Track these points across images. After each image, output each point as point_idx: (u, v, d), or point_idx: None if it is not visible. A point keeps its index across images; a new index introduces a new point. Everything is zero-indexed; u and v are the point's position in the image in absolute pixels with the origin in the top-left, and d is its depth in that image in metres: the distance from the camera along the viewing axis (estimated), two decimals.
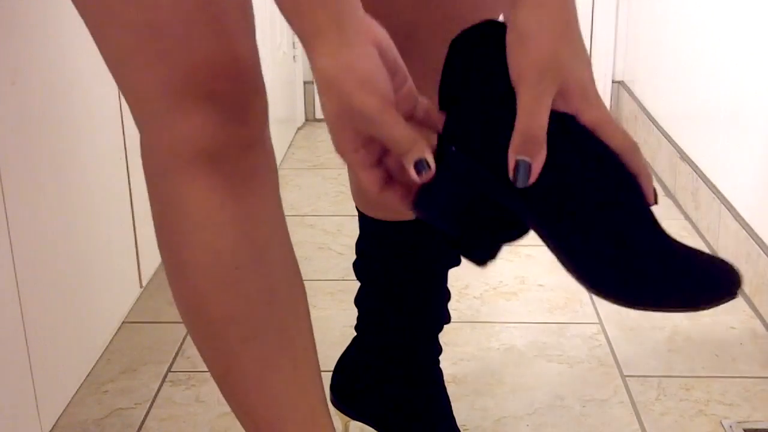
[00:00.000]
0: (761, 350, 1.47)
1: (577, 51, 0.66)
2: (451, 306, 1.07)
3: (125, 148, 1.47)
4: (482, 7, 0.83)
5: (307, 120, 2.80)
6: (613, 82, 2.80)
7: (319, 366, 0.87)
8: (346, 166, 0.78)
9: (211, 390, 1.36)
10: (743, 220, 1.70)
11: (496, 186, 0.69)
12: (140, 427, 1.29)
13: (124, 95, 0.76)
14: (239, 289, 0.79)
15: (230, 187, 0.76)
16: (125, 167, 1.49)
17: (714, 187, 1.88)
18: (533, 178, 0.66)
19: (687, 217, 2.01)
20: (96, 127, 1.37)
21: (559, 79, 0.65)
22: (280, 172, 2.36)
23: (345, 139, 0.65)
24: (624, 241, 0.75)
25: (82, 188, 1.35)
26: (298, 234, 1.90)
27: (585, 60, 0.67)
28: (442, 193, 0.68)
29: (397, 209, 0.98)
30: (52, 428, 1.27)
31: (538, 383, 1.37)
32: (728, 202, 1.79)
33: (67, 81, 1.27)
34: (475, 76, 0.70)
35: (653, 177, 2.33)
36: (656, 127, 2.33)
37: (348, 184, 1.09)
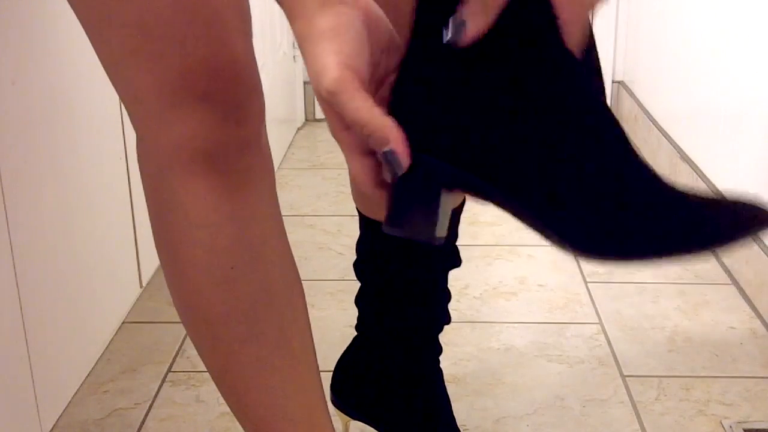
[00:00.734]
0: (761, 350, 1.47)
1: None
2: (451, 306, 1.07)
3: (125, 149, 1.47)
4: None
5: (307, 120, 2.80)
6: (613, 82, 2.80)
7: (317, 365, 0.87)
8: (346, 167, 0.77)
9: (211, 390, 1.36)
10: None
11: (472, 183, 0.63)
12: (140, 427, 1.29)
13: (120, 96, 0.76)
14: (236, 289, 0.79)
15: (226, 187, 0.76)
16: (125, 167, 1.49)
17: (714, 187, 1.88)
18: (467, 38, 0.59)
19: None
20: (96, 128, 1.37)
21: None
22: (280, 172, 2.36)
23: (331, 115, 0.59)
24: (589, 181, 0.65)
25: (82, 188, 1.35)
26: (298, 234, 1.90)
27: None
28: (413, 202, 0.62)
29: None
30: (52, 428, 1.27)
31: (538, 383, 1.37)
32: None
33: (67, 81, 1.27)
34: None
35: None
36: (656, 127, 2.33)
37: (348, 184, 1.10)
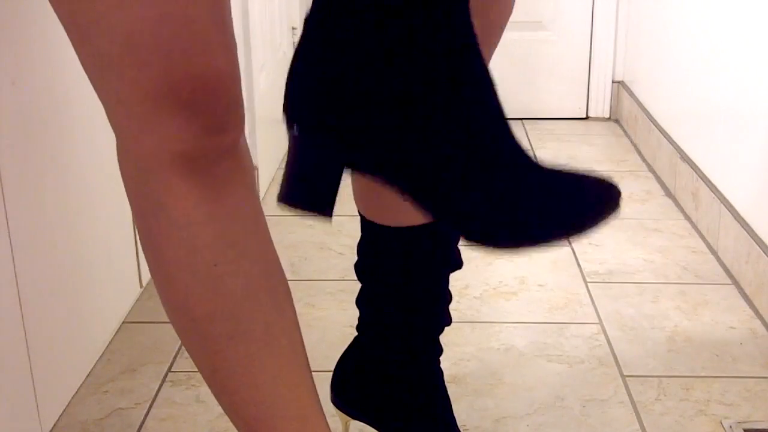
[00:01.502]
0: (761, 350, 1.47)
1: None
2: (451, 306, 1.07)
3: None
4: None
5: None
6: (613, 82, 2.80)
7: (307, 361, 0.87)
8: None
9: None
10: (743, 220, 1.70)
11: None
12: (140, 427, 1.29)
13: (100, 97, 0.78)
14: (219, 286, 0.80)
15: (206, 189, 0.78)
16: None
17: (714, 187, 1.88)
18: None
19: (687, 217, 2.01)
20: (96, 128, 1.37)
21: None
22: (281, 172, 2.36)
23: None
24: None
25: (82, 188, 1.35)
26: (298, 234, 1.90)
27: None
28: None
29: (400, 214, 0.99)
30: (52, 428, 1.27)
31: (538, 383, 1.37)
32: (728, 202, 1.79)
33: (67, 81, 1.27)
34: None
35: (653, 178, 2.33)
36: (656, 127, 2.33)
37: (349, 184, 1.10)
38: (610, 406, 1.33)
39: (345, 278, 1.69)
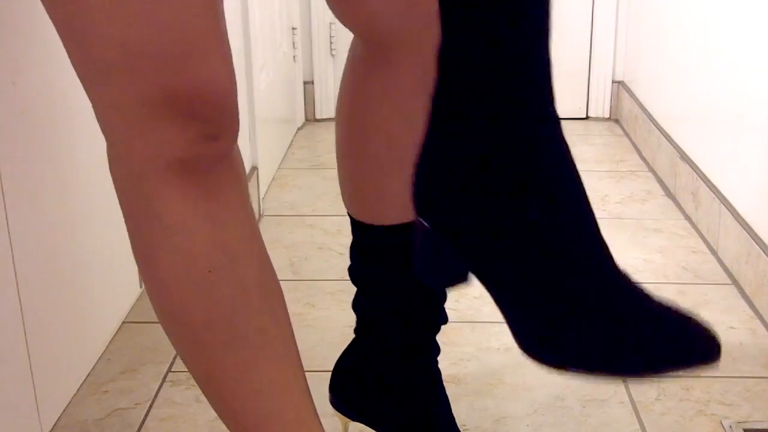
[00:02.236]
0: (761, 350, 1.47)
1: None
2: (451, 306, 1.07)
3: None
4: None
5: (307, 120, 2.80)
6: (613, 82, 2.80)
7: (302, 366, 0.87)
8: None
9: None
10: (743, 220, 1.70)
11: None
12: (140, 427, 1.29)
13: (92, 101, 0.77)
14: (214, 293, 0.80)
15: (201, 195, 0.78)
16: None
17: (714, 187, 1.88)
18: None
19: (687, 217, 2.01)
20: (96, 128, 1.37)
21: None
22: (280, 172, 2.36)
23: None
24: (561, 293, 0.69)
25: (82, 188, 1.35)
26: (298, 234, 1.90)
27: None
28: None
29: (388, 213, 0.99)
30: (52, 428, 1.27)
31: (538, 383, 1.37)
32: (728, 202, 1.79)
33: (67, 81, 1.27)
34: None
35: (653, 178, 2.33)
36: (656, 127, 2.33)
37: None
38: (610, 406, 1.33)
39: (345, 278, 1.68)
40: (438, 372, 1.09)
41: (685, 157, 2.08)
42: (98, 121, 0.78)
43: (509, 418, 1.30)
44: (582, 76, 2.80)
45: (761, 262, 1.58)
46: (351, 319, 1.09)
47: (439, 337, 1.08)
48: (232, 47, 0.78)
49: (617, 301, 0.68)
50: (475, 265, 0.74)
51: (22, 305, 1.15)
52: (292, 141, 2.62)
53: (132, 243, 0.82)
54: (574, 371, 0.69)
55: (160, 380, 1.40)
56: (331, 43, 2.75)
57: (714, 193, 1.86)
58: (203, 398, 1.34)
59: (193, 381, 1.38)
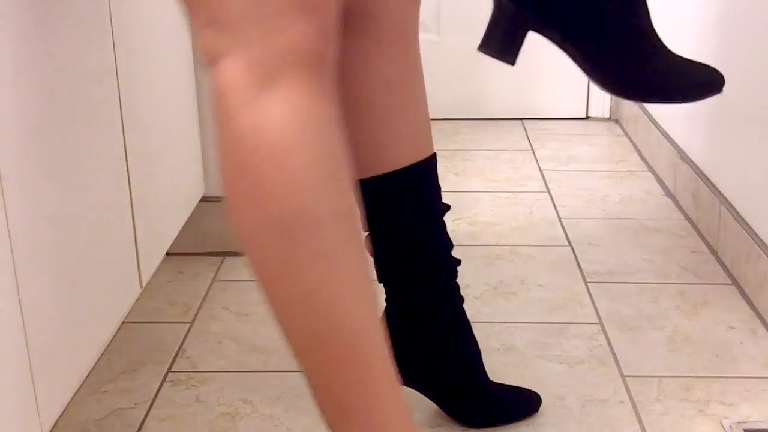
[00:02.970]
0: (761, 350, 1.47)
1: None
2: None
3: (125, 148, 1.47)
4: None
5: None
6: None
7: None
8: None
9: (211, 390, 1.36)
10: (743, 220, 1.70)
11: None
12: (140, 427, 1.29)
13: (214, 8, 0.79)
14: (340, 186, 0.81)
15: (322, 93, 0.80)
16: (125, 167, 1.49)
17: (714, 187, 1.88)
18: None
19: (687, 217, 2.01)
20: (96, 128, 1.37)
21: None
22: None
23: None
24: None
25: (82, 188, 1.35)
26: None
27: None
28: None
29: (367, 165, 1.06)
30: (52, 428, 1.27)
31: (538, 383, 1.37)
32: (728, 202, 1.79)
33: (68, 81, 1.27)
34: None
35: (653, 178, 2.33)
36: (656, 127, 2.33)
37: None
38: (610, 406, 1.33)
39: None
40: (467, 322, 1.23)
41: (685, 157, 2.08)
42: (212, 40, 0.80)
43: None
44: (582, 76, 2.79)
45: (761, 262, 1.58)
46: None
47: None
48: None
49: (664, 46, 1.05)
50: (559, 18, 1.08)
51: (22, 305, 1.15)
52: None
53: (234, 159, 0.81)
54: (632, 96, 1.05)
55: (160, 380, 1.40)
56: None
57: (714, 193, 1.86)
58: (203, 398, 1.35)
59: (193, 381, 1.39)
